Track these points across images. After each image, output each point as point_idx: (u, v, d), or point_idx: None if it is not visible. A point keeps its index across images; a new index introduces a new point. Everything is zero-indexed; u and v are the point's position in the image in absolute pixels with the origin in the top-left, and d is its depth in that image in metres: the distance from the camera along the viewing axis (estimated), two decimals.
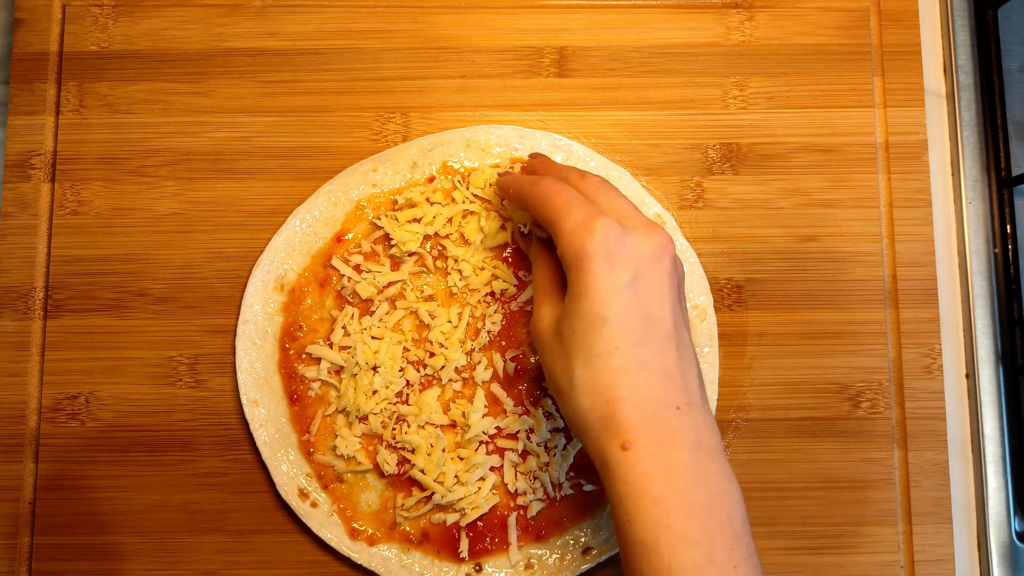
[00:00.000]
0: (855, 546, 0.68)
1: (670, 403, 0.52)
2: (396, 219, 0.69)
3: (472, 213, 0.69)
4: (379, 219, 0.69)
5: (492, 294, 0.68)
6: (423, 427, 0.67)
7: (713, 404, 0.68)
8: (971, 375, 0.72)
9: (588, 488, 0.67)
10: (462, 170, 0.70)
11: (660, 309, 0.53)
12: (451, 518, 0.66)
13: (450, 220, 0.69)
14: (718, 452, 0.53)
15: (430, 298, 0.69)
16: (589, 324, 0.52)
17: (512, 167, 0.70)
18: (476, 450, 0.67)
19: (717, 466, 0.52)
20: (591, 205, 0.55)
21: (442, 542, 0.66)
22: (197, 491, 0.68)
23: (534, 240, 0.65)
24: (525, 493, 0.66)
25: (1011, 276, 0.72)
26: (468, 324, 0.68)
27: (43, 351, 0.69)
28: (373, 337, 0.68)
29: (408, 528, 0.66)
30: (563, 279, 0.57)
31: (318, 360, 0.68)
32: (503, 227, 0.68)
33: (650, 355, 0.52)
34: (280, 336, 0.68)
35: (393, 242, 0.68)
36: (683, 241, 0.70)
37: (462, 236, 0.69)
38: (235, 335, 0.69)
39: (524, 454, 0.67)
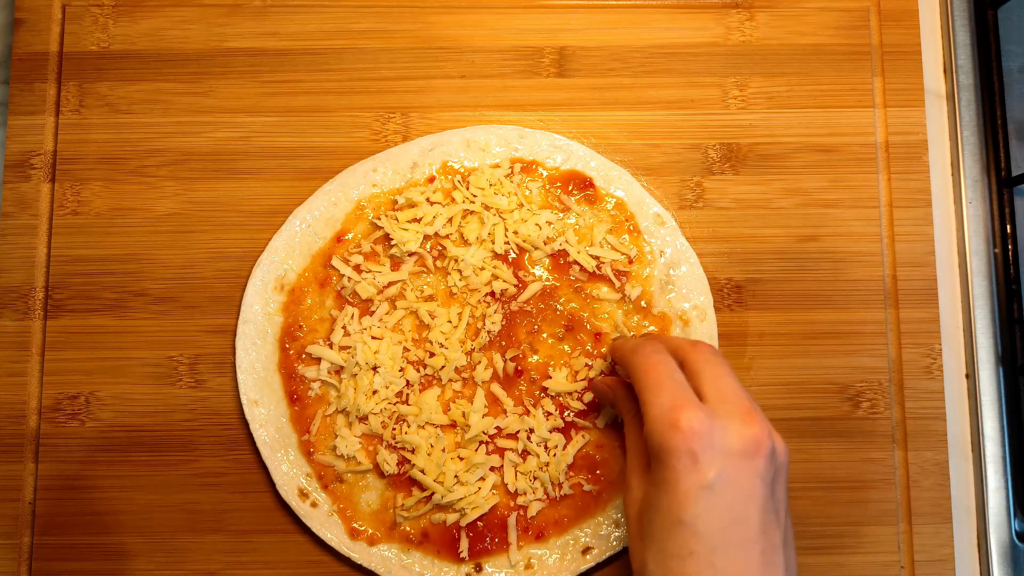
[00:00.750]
0: (855, 546, 0.68)
1: None
2: (396, 219, 0.69)
3: (472, 213, 0.69)
4: (379, 219, 0.69)
5: (492, 294, 0.68)
6: (423, 427, 0.67)
7: None
8: (971, 375, 0.72)
9: (588, 488, 0.67)
10: (462, 170, 0.70)
11: (746, 512, 0.48)
12: (451, 518, 0.66)
13: (450, 220, 0.69)
14: None
15: (430, 298, 0.69)
16: (665, 522, 0.48)
17: (512, 167, 0.70)
18: (476, 450, 0.67)
19: None
20: (684, 389, 0.51)
21: (442, 542, 0.66)
22: (197, 491, 0.68)
23: (629, 399, 0.60)
24: (525, 493, 0.66)
25: (1011, 276, 0.72)
26: (468, 324, 0.68)
27: (43, 351, 0.69)
28: (373, 337, 0.68)
29: (408, 528, 0.66)
30: None
31: (318, 360, 0.68)
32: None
33: (727, 563, 0.47)
34: (280, 336, 0.68)
35: (393, 242, 0.68)
36: (683, 241, 0.70)
37: (462, 236, 0.69)
38: (235, 335, 0.69)
39: (524, 454, 0.67)
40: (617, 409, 0.62)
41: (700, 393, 0.51)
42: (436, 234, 0.69)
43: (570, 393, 0.67)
